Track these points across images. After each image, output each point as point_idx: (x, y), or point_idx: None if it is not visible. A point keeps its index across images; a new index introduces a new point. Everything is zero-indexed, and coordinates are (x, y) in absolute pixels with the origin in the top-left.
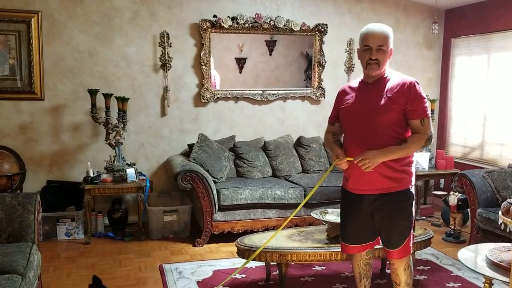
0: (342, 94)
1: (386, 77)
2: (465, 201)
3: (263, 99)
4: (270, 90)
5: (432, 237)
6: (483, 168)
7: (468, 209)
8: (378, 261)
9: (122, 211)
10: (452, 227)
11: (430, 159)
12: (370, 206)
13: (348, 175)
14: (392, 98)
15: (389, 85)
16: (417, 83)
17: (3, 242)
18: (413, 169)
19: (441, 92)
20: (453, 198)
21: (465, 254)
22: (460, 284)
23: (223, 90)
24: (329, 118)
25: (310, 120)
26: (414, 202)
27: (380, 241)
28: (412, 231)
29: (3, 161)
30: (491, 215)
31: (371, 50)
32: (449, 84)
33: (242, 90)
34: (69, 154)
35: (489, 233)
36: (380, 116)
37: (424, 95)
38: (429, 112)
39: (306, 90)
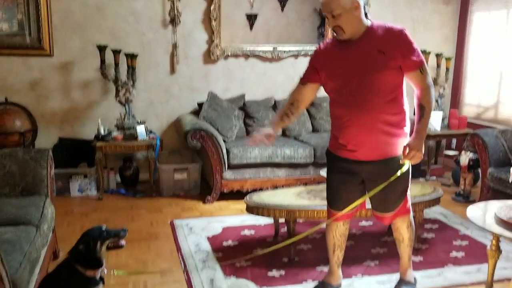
0: (321, 54)
1: (371, 29)
2: (477, 161)
3: (274, 56)
4: (281, 47)
5: (441, 196)
6: (497, 128)
7: (479, 169)
8: None
9: (133, 169)
10: (462, 187)
11: (442, 119)
12: (366, 172)
13: (345, 141)
14: (386, 54)
15: (377, 38)
16: (405, 29)
17: (17, 195)
18: (407, 130)
19: (457, 50)
20: (465, 158)
21: (474, 211)
22: (467, 242)
23: (233, 47)
24: (301, 77)
25: None
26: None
27: (371, 206)
28: (408, 193)
29: (15, 117)
30: (502, 175)
31: (328, 18)
32: (465, 41)
33: (253, 47)
34: (80, 111)
35: (499, 193)
36: (376, 77)
37: (412, 39)
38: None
39: None
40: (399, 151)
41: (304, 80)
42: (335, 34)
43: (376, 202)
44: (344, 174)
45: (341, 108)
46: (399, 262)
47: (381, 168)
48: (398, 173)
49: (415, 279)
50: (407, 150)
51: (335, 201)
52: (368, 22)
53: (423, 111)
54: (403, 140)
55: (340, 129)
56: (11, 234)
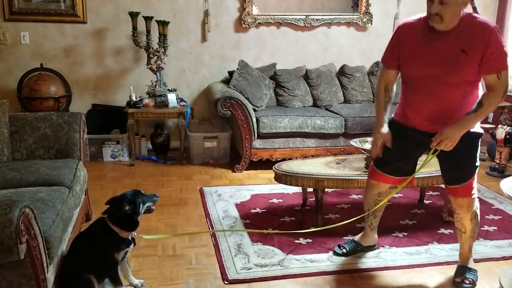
0: (404, 34)
1: (461, 23)
2: None
3: (307, 24)
4: (314, 15)
5: None
6: None
7: None
8: (416, 191)
9: (164, 136)
10: (497, 162)
11: None
12: (429, 143)
13: (408, 114)
14: (468, 53)
15: (464, 36)
16: (497, 29)
17: (51, 157)
18: None
19: (498, 18)
20: (501, 132)
21: (508, 183)
22: (500, 217)
23: (265, 15)
24: (383, 58)
25: (355, 48)
26: (478, 144)
27: (443, 181)
28: (475, 172)
29: (50, 83)
30: None
31: (432, 2)
32: (507, 9)
33: (285, 15)
34: (113, 78)
35: None
36: (454, 77)
37: (503, 42)
38: (507, 61)
39: (352, 15)
40: (473, 128)
41: (387, 65)
42: (430, 21)
43: (447, 175)
44: (408, 142)
45: (413, 94)
46: (460, 250)
47: None
48: (429, 157)
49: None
50: (440, 136)
51: (386, 164)
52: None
53: (478, 107)
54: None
55: (410, 109)
56: (45, 193)
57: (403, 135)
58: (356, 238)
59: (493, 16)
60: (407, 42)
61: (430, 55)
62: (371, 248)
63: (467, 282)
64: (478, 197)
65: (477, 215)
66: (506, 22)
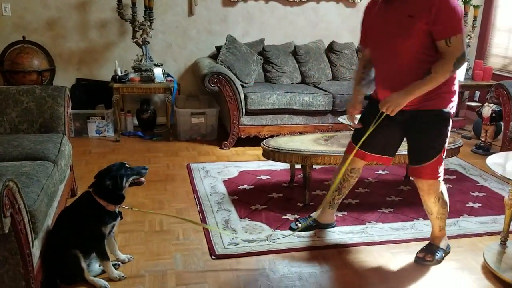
0: (368, 10)
1: None
2: (499, 113)
3: None
4: None
5: (461, 145)
6: None
7: (501, 122)
8: (402, 168)
9: (151, 112)
10: (483, 140)
11: (467, 70)
12: (403, 120)
13: (376, 89)
14: (415, 18)
15: (414, 1)
16: None
17: (35, 132)
18: (455, 88)
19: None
20: (487, 110)
21: (494, 160)
22: (485, 194)
23: None
24: (359, 40)
25: (344, 25)
26: (448, 125)
27: (408, 159)
28: (442, 155)
29: (33, 56)
30: None
31: None
32: None
33: None
34: (97, 52)
35: None
36: (402, 43)
37: (454, 5)
38: (461, 26)
39: None
40: (440, 105)
41: (361, 43)
42: None
43: (409, 153)
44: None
45: (376, 66)
46: (431, 228)
47: (418, 117)
48: (375, 121)
49: (448, 246)
50: (384, 100)
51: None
52: None
53: (426, 74)
54: (445, 95)
55: (377, 83)
56: (29, 167)
57: (377, 111)
58: (313, 214)
59: None
60: (369, 17)
61: (381, 25)
62: (328, 226)
63: (428, 258)
64: (463, 175)
65: (442, 198)
66: (494, 0)
